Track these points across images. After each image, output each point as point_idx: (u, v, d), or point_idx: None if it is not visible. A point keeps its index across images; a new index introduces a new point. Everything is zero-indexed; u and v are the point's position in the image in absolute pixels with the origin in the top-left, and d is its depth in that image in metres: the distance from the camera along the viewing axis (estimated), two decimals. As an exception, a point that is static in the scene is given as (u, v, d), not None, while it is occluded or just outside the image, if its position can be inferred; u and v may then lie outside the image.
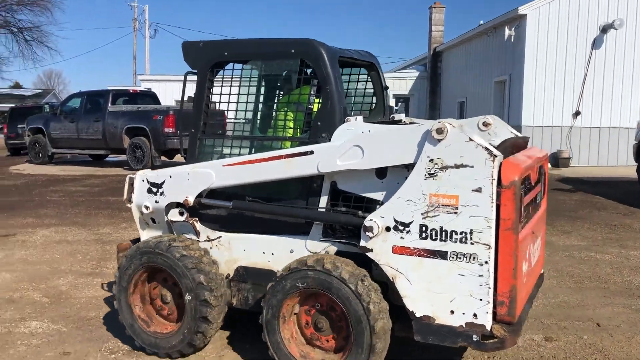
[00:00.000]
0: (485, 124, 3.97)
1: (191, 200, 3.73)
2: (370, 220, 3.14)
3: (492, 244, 2.90)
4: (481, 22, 20.01)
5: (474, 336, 2.98)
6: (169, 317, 3.82)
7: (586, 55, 16.40)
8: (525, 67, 16.31)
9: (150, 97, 17.99)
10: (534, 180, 3.40)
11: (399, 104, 25.09)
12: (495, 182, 2.87)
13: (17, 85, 54.38)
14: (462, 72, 22.09)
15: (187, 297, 3.54)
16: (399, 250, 3.11)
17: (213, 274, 3.59)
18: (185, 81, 3.89)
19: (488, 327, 2.95)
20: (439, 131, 2.94)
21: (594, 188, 12.06)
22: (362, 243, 3.19)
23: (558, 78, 16.37)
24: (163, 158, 15.27)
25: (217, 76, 3.81)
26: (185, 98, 3.89)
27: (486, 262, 2.91)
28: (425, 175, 3.00)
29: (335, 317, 3.29)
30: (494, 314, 2.98)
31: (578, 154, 16.69)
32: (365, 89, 4.32)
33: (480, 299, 2.94)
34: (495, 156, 2.88)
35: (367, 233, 3.14)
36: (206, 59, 3.78)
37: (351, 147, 3.22)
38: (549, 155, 15.56)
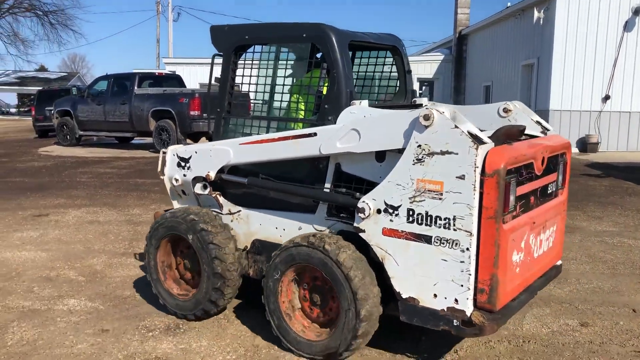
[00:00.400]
0: (506, 110, 3.90)
1: (212, 175, 4.00)
2: (363, 202, 3.24)
3: (474, 232, 2.92)
4: (509, 4, 19.10)
5: (455, 321, 3.02)
6: (189, 282, 4.14)
7: (617, 38, 15.43)
8: (554, 50, 15.50)
9: (175, 80, 18.04)
10: (539, 169, 3.33)
11: (423, 87, 24.45)
12: (479, 170, 2.87)
13: (42, 69, 55.80)
14: (488, 56, 21.28)
15: (204, 268, 3.83)
16: (388, 232, 3.19)
17: (229, 248, 3.83)
18: (212, 63, 4.13)
19: (468, 313, 2.98)
20: (426, 117, 2.97)
21: (624, 173, 11.59)
22: (356, 223, 3.30)
23: (588, 61, 15.51)
24: (188, 141, 15.08)
25: (240, 59, 4.02)
26: (213, 80, 4.13)
27: (467, 249, 2.93)
28: (413, 160, 3.05)
29: (326, 291, 3.44)
30: (475, 300, 3.00)
31: (607, 138, 15.82)
32: (391, 72, 4.35)
33: (461, 285, 2.97)
34: (482, 144, 2.87)
35: (359, 214, 3.25)
36: (230, 42, 3.99)
37: (349, 131, 3.33)
38: (577, 140, 14.49)
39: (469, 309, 2.98)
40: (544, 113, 15.92)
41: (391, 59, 4.32)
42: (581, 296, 4.68)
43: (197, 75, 24.90)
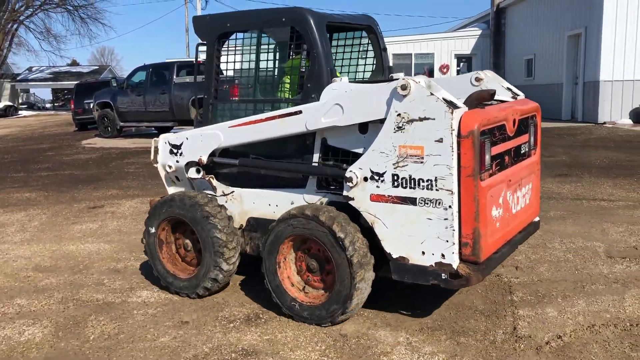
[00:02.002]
0: (478, 79, 4.14)
1: (204, 159, 4.19)
2: (350, 171, 3.46)
3: (455, 190, 3.15)
4: (551, -27, 18.91)
5: (443, 274, 3.27)
6: (191, 262, 4.34)
7: None
8: (604, 18, 15.22)
9: None
10: (510, 131, 3.57)
11: (461, 64, 24.15)
12: (455, 133, 3.10)
13: (74, 63, 56.01)
14: (529, 28, 20.93)
15: (204, 247, 4.02)
16: (375, 198, 3.42)
17: (227, 227, 4.03)
18: (197, 52, 4.31)
19: (455, 266, 3.23)
20: (404, 87, 3.19)
21: None
22: (345, 192, 3.52)
23: (639, 29, 15.21)
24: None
25: (223, 46, 4.20)
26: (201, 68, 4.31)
27: (450, 207, 3.17)
28: (394, 128, 3.28)
29: (323, 258, 3.67)
30: (460, 254, 3.24)
31: None
32: (367, 50, 4.56)
33: (447, 241, 3.21)
34: (456, 108, 3.10)
35: (348, 183, 3.48)
36: (212, 31, 4.17)
37: (333, 106, 3.53)
38: (630, 111, 14.08)
39: (455, 262, 3.23)
40: (593, 85, 15.59)
41: (367, 39, 4.53)
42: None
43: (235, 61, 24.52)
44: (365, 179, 3.43)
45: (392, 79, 4.35)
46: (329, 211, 3.55)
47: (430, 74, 23.02)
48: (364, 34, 4.54)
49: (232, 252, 4.05)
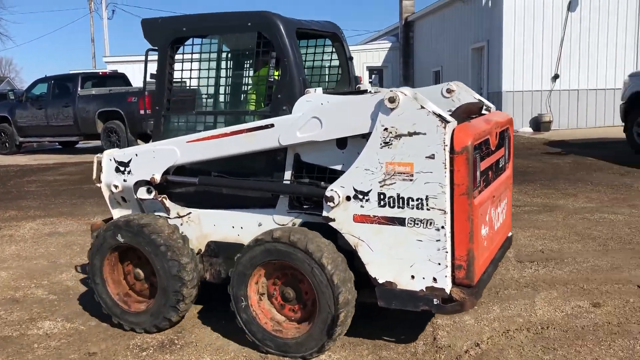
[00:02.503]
0: (449, 91, 3.99)
1: (157, 177, 3.76)
2: (331, 190, 3.18)
3: (448, 209, 2.95)
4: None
5: (435, 300, 3.05)
6: (142, 293, 3.88)
7: (562, 18, 16.31)
8: (503, 32, 16.18)
9: (120, 78, 17.21)
10: (493, 144, 3.43)
11: (373, 76, 24.80)
12: (448, 148, 2.90)
13: None
14: (436, 41, 21.93)
15: (161, 275, 3.60)
16: (359, 218, 3.16)
17: (184, 251, 3.63)
18: (146, 59, 3.89)
19: (447, 291, 3.02)
20: (391, 100, 2.96)
21: (584, 150, 12.00)
22: (325, 213, 3.24)
23: (536, 42, 16.29)
24: (140, 142, 14.56)
25: (177, 52, 3.81)
26: (148, 76, 3.89)
27: (442, 227, 2.96)
28: (380, 144, 3.03)
29: (301, 287, 3.35)
30: (453, 277, 3.04)
31: (558, 117, 16.68)
32: (331, 60, 4.32)
33: (439, 263, 3.00)
34: (447, 122, 2.91)
35: (328, 203, 3.19)
36: (165, 36, 3.77)
37: (310, 119, 3.25)
38: (530, 119, 15.18)
39: (448, 286, 3.02)
40: (496, 95, 16.34)
41: (331, 47, 4.28)
42: (582, 276, 4.62)
43: (142, 72, 23.25)
44: (348, 198, 3.16)
45: (360, 90, 4.13)
46: (302, 232, 3.26)
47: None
48: (327, 41, 4.29)
49: (192, 279, 3.66)
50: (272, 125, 3.36)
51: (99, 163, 4.02)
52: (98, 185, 4.06)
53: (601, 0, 16.34)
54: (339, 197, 3.17)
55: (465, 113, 3.14)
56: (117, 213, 4.14)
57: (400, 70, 24.31)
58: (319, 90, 3.42)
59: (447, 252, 2.98)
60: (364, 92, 4.14)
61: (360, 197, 3.13)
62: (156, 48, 3.82)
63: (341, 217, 3.20)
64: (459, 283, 3.05)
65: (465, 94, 3.98)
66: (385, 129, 3.01)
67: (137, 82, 21.67)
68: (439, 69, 21.45)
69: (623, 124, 11.14)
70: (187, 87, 3.90)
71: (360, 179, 3.11)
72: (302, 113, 3.28)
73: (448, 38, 20.55)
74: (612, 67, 16.53)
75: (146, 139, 15.02)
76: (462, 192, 2.94)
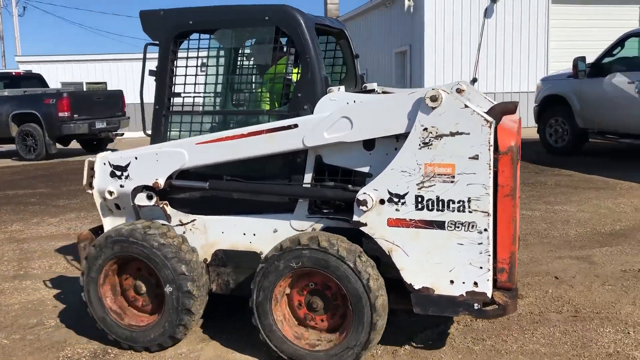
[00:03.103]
0: (459, 91, 3.91)
1: (162, 182, 3.47)
2: (364, 193, 3.02)
3: (491, 211, 2.87)
4: (378, -7, 20.20)
5: (475, 305, 2.96)
6: (144, 308, 3.58)
7: (479, 24, 16.86)
8: (425, 37, 16.60)
9: (36, 79, 16.27)
10: (519, 144, 3.39)
11: None
12: (492, 149, 2.82)
13: None
14: (361, 45, 22.20)
15: (168, 289, 3.31)
16: (394, 222, 3.02)
17: (194, 262, 3.37)
18: (145, 54, 3.58)
19: (489, 295, 2.94)
20: (433, 99, 2.85)
21: None
22: (355, 217, 3.08)
23: (455, 47, 16.79)
24: (58, 145, 14.00)
25: (181, 47, 3.53)
26: (147, 73, 3.58)
27: (485, 230, 2.87)
28: (419, 144, 2.91)
29: (330, 295, 3.18)
30: (494, 281, 2.96)
31: None
32: (334, 57, 4.16)
33: (480, 267, 2.91)
34: (492, 122, 2.82)
35: (360, 207, 3.03)
36: (169, 29, 3.48)
37: (339, 119, 3.08)
38: None
39: (489, 290, 2.94)
40: None
41: (334, 44, 4.12)
42: (504, 269, 4.88)
43: (58, 73, 21.57)
44: (382, 202, 3.02)
45: (367, 89, 4.00)
46: (328, 237, 3.09)
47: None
48: (331, 38, 4.12)
49: (202, 295, 3.40)
50: (295, 126, 3.17)
51: (91, 168, 3.67)
52: (89, 192, 3.70)
53: (514, 7, 17.09)
54: (372, 200, 3.02)
55: (503, 113, 3.06)
56: (108, 221, 3.80)
57: (325, 73, 24.57)
58: (342, 88, 3.26)
59: (489, 255, 2.90)
60: (371, 91, 4.02)
61: (396, 200, 2.99)
62: (157, 42, 3.53)
63: (374, 221, 3.05)
64: (500, 286, 2.99)
65: (474, 93, 3.93)
66: (425, 129, 2.89)
67: (53, 83, 20.45)
68: (364, 72, 21.83)
69: (536, 125, 11.62)
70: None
71: (396, 181, 2.98)
72: (330, 112, 3.10)
73: (373, 42, 20.96)
74: (525, 71, 17.23)
75: (64, 142, 14.29)
76: (507, 193, 2.87)
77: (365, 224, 3.06)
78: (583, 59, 9.84)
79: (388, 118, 3.00)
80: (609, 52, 10.01)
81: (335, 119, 3.08)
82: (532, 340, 3.54)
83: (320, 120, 3.12)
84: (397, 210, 3.00)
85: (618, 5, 16.70)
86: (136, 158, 3.53)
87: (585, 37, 15.83)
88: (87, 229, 3.96)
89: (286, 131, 3.18)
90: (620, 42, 9.94)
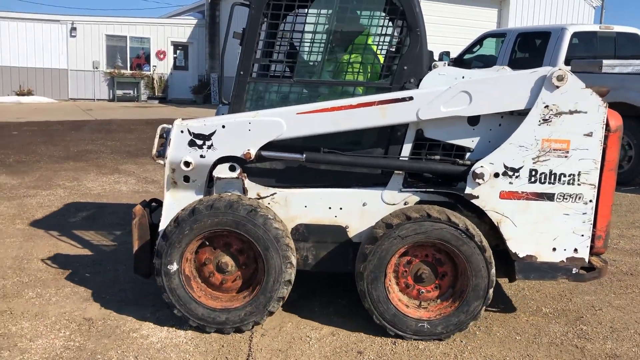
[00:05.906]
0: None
1: (253, 152, 3.27)
2: (481, 167, 3.15)
3: (597, 184, 3.16)
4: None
5: (574, 269, 3.24)
6: (227, 287, 3.36)
7: None
8: None
9: None
10: None
11: (178, 51, 24.12)
12: (604, 127, 3.10)
13: None
14: (243, 20, 22.04)
15: (275, 261, 3.17)
16: (506, 195, 3.19)
17: (289, 240, 3.25)
18: (231, 14, 3.33)
19: (587, 260, 3.24)
20: (560, 78, 3.05)
21: None
22: (468, 190, 3.19)
23: None
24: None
25: (275, 12, 3.33)
26: (231, 35, 3.33)
27: (590, 201, 3.16)
28: (539, 121, 3.10)
29: (440, 268, 3.27)
30: (591, 247, 3.27)
31: None
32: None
33: (582, 235, 3.20)
34: (607, 104, 3.10)
35: (476, 180, 3.15)
36: None
37: (458, 93, 3.15)
38: None
39: (586, 256, 3.24)
40: None
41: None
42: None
43: None
44: (496, 175, 3.17)
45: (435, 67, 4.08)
46: (434, 207, 3.19)
47: (147, 59, 22.40)
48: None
49: (294, 262, 3.30)
50: (410, 98, 3.18)
51: (162, 136, 3.33)
52: (160, 162, 3.35)
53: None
54: (488, 173, 3.15)
55: (598, 95, 3.35)
56: (170, 195, 3.47)
57: (207, 49, 23.93)
58: (447, 64, 3.33)
59: (591, 224, 3.20)
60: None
61: (510, 173, 3.16)
62: (247, 3, 3.29)
63: (487, 193, 3.19)
64: (595, 252, 3.30)
65: None
66: (547, 106, 3.09)
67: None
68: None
69: None
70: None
71: (513, 155, 3.14)
72: (449, 87, 3.16)
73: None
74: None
75: None
76: (611, 167, 3.17)
77: (478, 197, 3.19)
78: (447, 53, 10.42)
79: (508, 94, 3.14)
80: (469, 49, 10.97)
81: (454, 93, 3.15)
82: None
83: (438, 93, 3.17)
84: (510, 183, 3.17)
85: (480, 7, 18.16)
86: (223, 126, 3.28)
87: (449, 33, 16.49)
88: (138, 204, 3.57)
89: (400, 103, 3.18)
90: (479, 41, 10.96)
